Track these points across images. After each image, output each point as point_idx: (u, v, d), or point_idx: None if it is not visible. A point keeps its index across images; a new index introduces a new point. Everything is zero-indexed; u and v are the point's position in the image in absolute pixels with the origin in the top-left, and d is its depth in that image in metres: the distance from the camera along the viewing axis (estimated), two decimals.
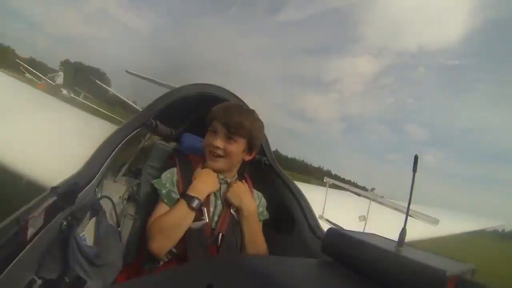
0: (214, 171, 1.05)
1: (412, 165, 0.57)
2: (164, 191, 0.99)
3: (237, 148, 1.03)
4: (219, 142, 1.01)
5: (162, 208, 0.97)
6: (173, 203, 0.97)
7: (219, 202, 1.05)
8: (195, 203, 0.94)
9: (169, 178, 1.03)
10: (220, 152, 1.02)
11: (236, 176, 1.13)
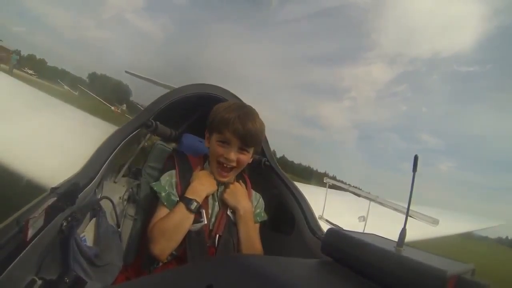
0: (222, 182, 1.05)
1: (412, 166, 0.57)
2: (163, 194, 0.99)
3: (248, 157, 1.04)
4: (233, 155, 0.99)
5: (162, 211, 0.97)
6: (173, 205, 0.97)
7: (216, 203, 1.06)
8: (193, 206, 0.95)
9: (168, 180, 1.04)
10: (233, 164, 1.01)
11: (233, 177, 1.13)
